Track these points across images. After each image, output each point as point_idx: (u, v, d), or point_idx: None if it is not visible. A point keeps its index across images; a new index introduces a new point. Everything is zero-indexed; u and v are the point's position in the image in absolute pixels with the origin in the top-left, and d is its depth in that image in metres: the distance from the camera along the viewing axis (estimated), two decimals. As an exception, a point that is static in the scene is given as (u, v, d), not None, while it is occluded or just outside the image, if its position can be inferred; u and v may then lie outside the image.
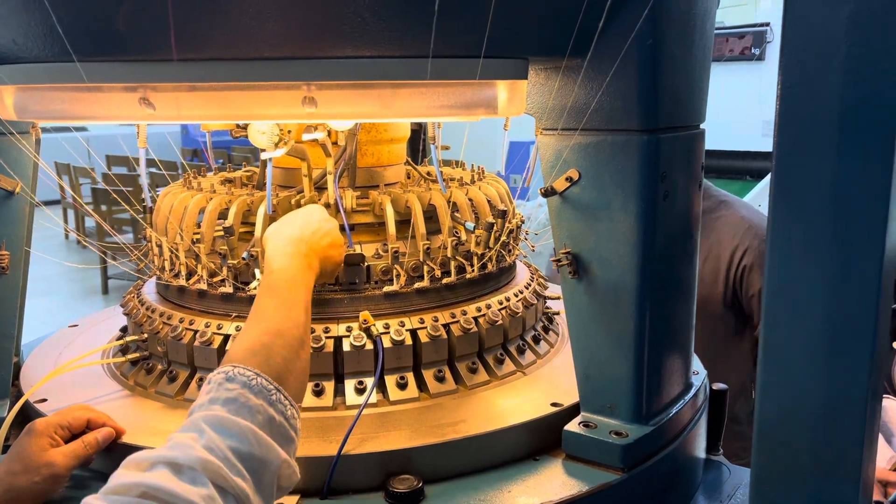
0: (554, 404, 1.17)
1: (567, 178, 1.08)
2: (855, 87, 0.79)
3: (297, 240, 1.08)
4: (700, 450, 1.31)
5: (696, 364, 1.36)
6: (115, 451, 1.06)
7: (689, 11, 1.06)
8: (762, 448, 1.06)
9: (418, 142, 1.77)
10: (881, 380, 1.16)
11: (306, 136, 1.21)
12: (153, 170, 6.55)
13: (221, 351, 1.19)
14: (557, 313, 1.52)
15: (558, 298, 1.54)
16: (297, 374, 0.94)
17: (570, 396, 1.19)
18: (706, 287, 2.03)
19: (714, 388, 1.36)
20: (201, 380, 1.20)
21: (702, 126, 1.16)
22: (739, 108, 6.05)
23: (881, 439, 1.41)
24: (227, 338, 1.19)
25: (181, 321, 1.24)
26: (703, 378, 1.32)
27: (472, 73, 0.92)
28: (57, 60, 0.94)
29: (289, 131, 1.23)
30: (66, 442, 1.04)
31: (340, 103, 0.94)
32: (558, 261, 1.10)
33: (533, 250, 1.49)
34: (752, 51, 7.09)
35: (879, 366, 0.95)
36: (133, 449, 1.05)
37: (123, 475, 0.76)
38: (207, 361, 1.20)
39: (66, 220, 8.82)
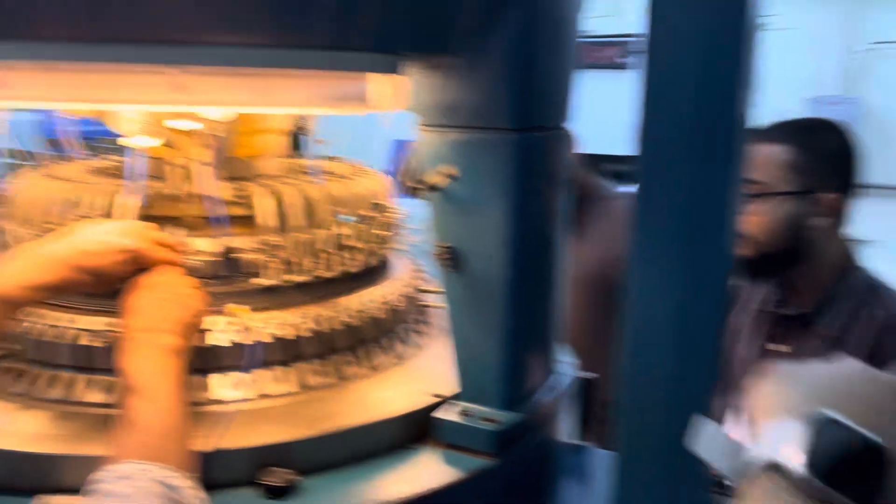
0: (436, 395, 1.19)
1: (445, 174, 1.11)
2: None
3: (149, 332, 1.00)
4: (569, 435, 1.38)
5: (568, 355, 1.43)
6: None
7: (560, 19, 1.11)
8: (623, 428, 1.14)
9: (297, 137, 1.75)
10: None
11: (170, 123, 1.17)
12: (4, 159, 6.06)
13: (75, 346, 1.13)
14: (434, 306, 1.55)
15: (435, 292, 1.58)
16: (192, 460, 0.91)
17: (450, 386, 1.22)
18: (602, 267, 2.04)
19: (582, 376, 1.44)
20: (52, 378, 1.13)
21: (567, 127, 1.22)
22: (613, 113, 6.37)
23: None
24: (84, 332, 1.13)
25: (42, 316, 1.17)
26: (572, 366, 1.39)
27: (340, 65, 0.93)
28: None
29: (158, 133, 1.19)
30: None
31: (212, 91, 0.92)
32: (437, 253, 1.13)
33: (413, 245, 1.51)
34: (618, 60, 7.50)
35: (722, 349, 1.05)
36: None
37: None
38: (66, 358, 1.14)
39: None
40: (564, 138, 1.20)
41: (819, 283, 1.56)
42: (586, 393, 1.45)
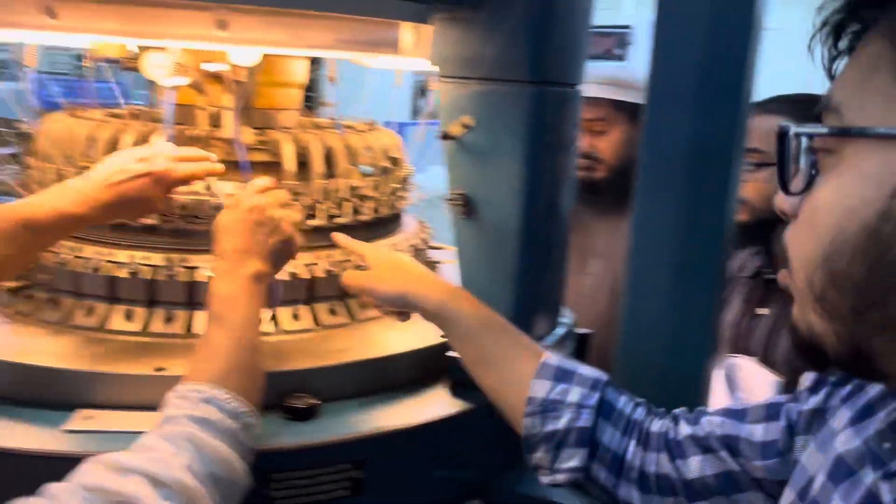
0: (444, 335, 1.26)
1: (462, 124, 1.17)
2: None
3: (237, 256, 1.02)
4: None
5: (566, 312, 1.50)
6: None
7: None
8: (621, 372, 1.21)
9: (312, 89, 1.80)
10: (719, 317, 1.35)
11: (210, 67, 1.22)
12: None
13: (111, 279, 1.18)
14: (438, 262, 1.61)
15: (440, 249, 1.64)
16: (257, 390, 0.95)
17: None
18: None
19: (578, 331, 1.51)
20: (91, 308, 1.18)
21: (579, 87, 1.28)
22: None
23: (725, 390, 1.60)
24: (120, 265, 1.19)
25: (72, 249, 1.22)
26: (571, 321, 1.46)
27: (377, 11, 0.99)
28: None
29: (187, 71, 1.23)
30: None
31: (251, 29, 0.97)
32: (451, 200, 1.19)
33: (422, 199, 1.57)
34: (616, 51, 7.57)
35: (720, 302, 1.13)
36: (11, 366, 1.04)
37: (98, 475, 0.74)
38: (97, 289, 1.19)
39: None
40: (577, 97, 1.26)
41: None
42: (580, 349, 1.52)
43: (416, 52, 1.08)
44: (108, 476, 0.74)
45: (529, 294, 1.22)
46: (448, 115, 1.18)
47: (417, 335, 1.28)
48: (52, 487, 0.72)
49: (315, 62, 1.60)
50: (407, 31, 1.04)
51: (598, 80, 1.95)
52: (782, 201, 0.66)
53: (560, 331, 1.38)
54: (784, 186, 0.64)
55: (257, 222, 1.05)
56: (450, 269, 1.59)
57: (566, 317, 1.45)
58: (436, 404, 1.16)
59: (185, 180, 1.13)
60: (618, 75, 2.06)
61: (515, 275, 1.20)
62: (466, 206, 1.20)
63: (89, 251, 1.21)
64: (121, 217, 1.11)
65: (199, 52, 1.26)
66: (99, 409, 1.03)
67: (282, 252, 1.08)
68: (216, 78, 1.27)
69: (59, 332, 1.17)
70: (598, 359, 1.44)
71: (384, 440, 1.05)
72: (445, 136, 1.18)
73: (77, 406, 1.03)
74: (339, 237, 1.23)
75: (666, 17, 1.11)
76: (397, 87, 1.56)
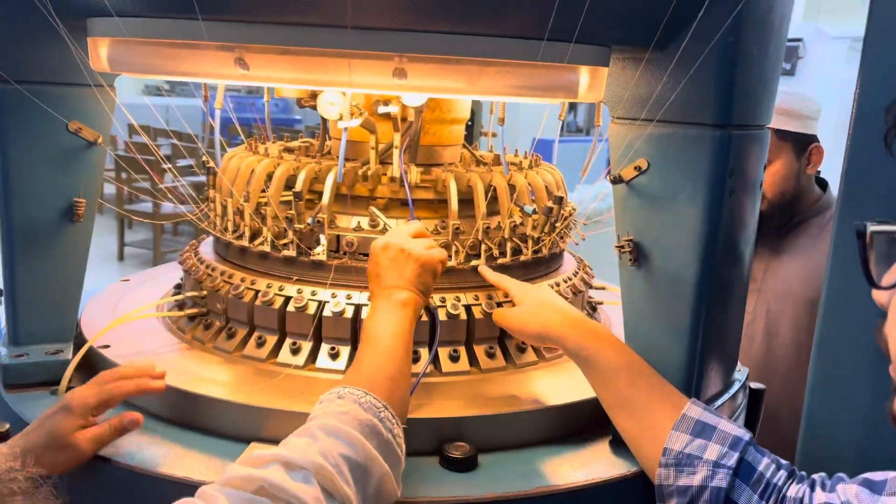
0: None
1: (635, 168, 1.11)
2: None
3: (384, 292, 1.09)
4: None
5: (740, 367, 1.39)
6: (169, 395, 1.10)
7: (769, 13, 1.08)
8: (807, 443, 1.09)
9: (469, 128, 1.80)
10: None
11: (382, 109, 1.24)
12: (173, 141, 6.64)
13: (282, 312, 1.22)
14: (600, 303, 1.55)
15: (602, 289, 1.58)
16: (400, 401, 0.98)
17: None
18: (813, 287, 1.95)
19: (752, 386, 1.39)
20: (260, 338, 1.23)
21: (767, 127, 1.18)
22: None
23: None
24: (287, 300, 1.23)
25: (243, 280, 1.28)
26: (745, 375, 1.35)
27: (557, 56, 0.95)
28: (153, 16, 0.98)
29: (361, 113, 1.26)
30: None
31: (428, 77, 0.97)
32: (621, 247, 1.13)
33: (584, 239, 1.52)
34: (785, 66, 7.12)
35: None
36: (187, 395, 1.10)
37: (240, 469, 0.80)
38: (268, 321, 1.23)
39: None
40: (765, 139, 1.16)
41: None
42: (754, 405, 1.40)
43: (590, 94, 1.03)
44: (248, 470, 0.79)
45: (704, 349, 1.13)
46: (619, 157, 1.12)
47: (576, 385, 1.23)
48: (201, 488, 0.78)
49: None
50: (584, 75, 1.00)
51: None
52: (878, 295, 0.70)
53: (734, 387, 1.27)
54: (871, 282, 0.68)
55: (392, 258, 1.11)
56: (612, 310, 1.53)
57: (740, 371, 1.34)
58: (597, 462, 1.10)
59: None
60: (785, 102, 1.89)
61: (689, 328, 1.11)
62: (636, 254, 1.14)
63: (261, 283, 1.26)
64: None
65: (371, 95, 1.29)
66: (271, 442, 1.06)
67: (422, 275, 1.11)
68: (386, 117, 1.29)
69: (233, 361, 1.23)
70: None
71: (546, 500, 1.00)
72: (616, 180, 1.12)
73: (249, 439, 1.07)
74: (485, 271, 1.26)
75: (879, 29, 0.99)
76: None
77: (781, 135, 1.92)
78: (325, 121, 1.51)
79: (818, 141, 2.02)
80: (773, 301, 2.02)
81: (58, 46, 1.10)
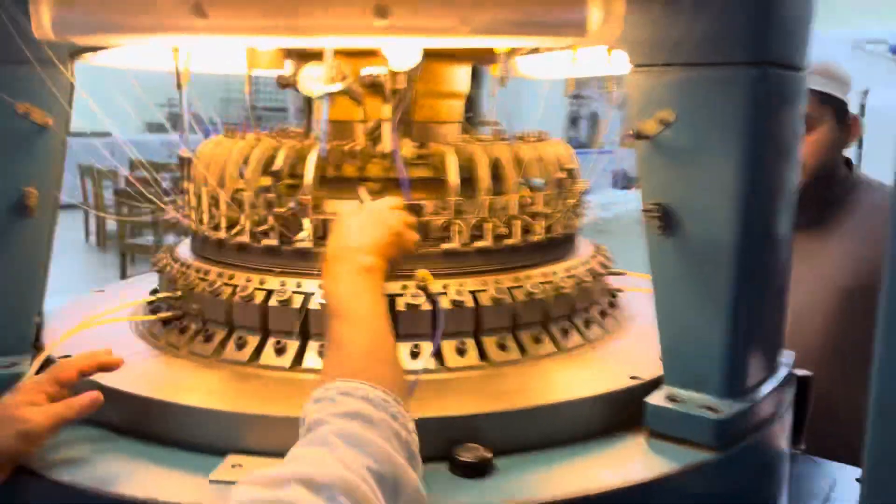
0: (633, 377, 1.04)
1: (660, 120, 0.97)
2: None
3: (346, 252, 0.95)
4: (786, 438, 1.18)
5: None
6: (131, 404, 0.96)
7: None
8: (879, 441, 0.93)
9: (470, 108, 1.67)
10: None
11: (366, 70, 1.11)
12: (175, 174, 6.53)
13: (264, 308, 1.08)
14: (620, 290, 1.39)
15: (622, 274, 1.42)
16: (400, 382, 0.83)
17: (648, 371, 1.07)
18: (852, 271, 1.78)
19: (799, 374, 1.23)
20: (240, 339, 1.09)
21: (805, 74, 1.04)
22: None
23: None
24: (269, 294, 1.09)
25: (219, 276, 1.14)
26: (791, 361, 1.19)
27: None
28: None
29: (343, 77, 1.13)
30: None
31: (414, 15, 0.84)
32: (647, 212, 0.98)
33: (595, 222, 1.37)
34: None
35: None
36: (157, 404, 0.95)
37: (253, 491, 0.65)
38: (248, 319, 1.09)
39: (86, 223, 8.79)
40: (803, 86, 1.02)
41: None
42: (802, 394, 1.24)
43: (604, 33, 0.90)
44: (263, 492, 0.64)
45: (747, 330, 0.98)
46: (641, 110, 0.98)
47: (604, 374, 1.08)
48: None
49: (474, 79, 1.46)
50: (595, 9, 0.86)
51: None
52: None
53: (781, 373, 1.11)
54: None
55: (363, 220, 0.98)
56: (637, 298, 1.37)
57: (786, 357, 1.19)
58: (631, 462, 0.94)
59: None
60: (822, 63, 1.72)
61: (729, 306, 0.96)
62: (665, 220, 0.99)
63: (240, 278, 1.12)
64: None
65: (355, 60, 1.16)
66: (251, 454, 0.91)
67: (393, 245, 0.98)
68: (374, 88, 1.16)
69: (210, 366, 1.08)
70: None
71: (573, 508, 0.85)
72: (639, 136, 0.98)
73: (227, 450, 0.92)
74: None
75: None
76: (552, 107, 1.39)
77: (824, 98, 1.74)
78: (308, 102, 1.38)
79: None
80: (802, 288, 1.86)
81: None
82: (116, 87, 1.37)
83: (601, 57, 1.43)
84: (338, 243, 0.96)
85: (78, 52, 1.11)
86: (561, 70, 1.47)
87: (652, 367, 1.07)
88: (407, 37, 0.90)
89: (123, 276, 6.98)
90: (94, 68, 1.23)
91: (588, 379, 1.06)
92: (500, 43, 1.08)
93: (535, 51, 1.33)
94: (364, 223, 0.97)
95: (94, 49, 1.12)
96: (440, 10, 0.83)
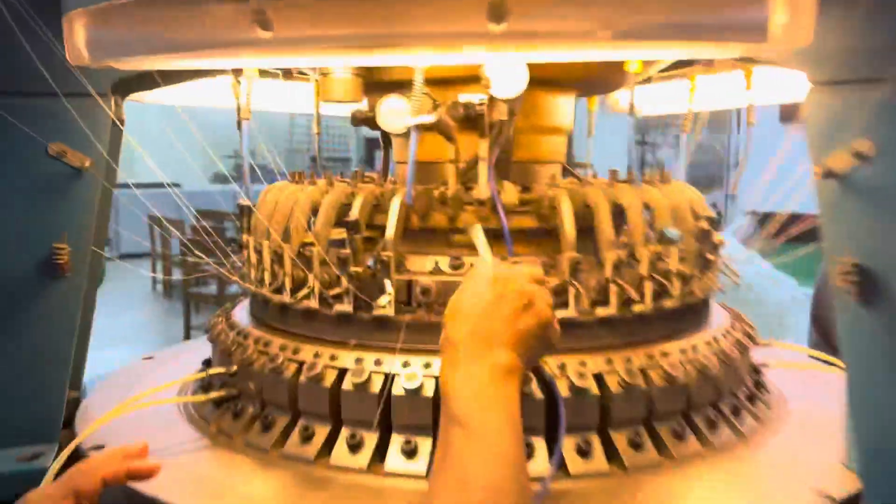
0: (826, 496, 0.78)
1: (855, 153, 0.73)
2: None
3: (480, 343, 0.71)
4: None
5: None
6: None
7: None
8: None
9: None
10: None
11: (464, 98, 0.91)
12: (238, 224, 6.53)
13: (336, 391, 0.87)
14: (765, 365, 1.13)
15: (767, 346, 1.16)
16: None
17: (835, 482, 0.81)
18: None
19: None
20: (306, 429, 0.88)
21: None
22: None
23: None
24: (342, 373, 0.88)
25: (282, 349, 0.93)
26: None
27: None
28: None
29: (433, 108, 0.94)
30: None
31: (539, 15, 0.63)
32: (843, 275, 0.74)
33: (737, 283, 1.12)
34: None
35: None
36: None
37: None
38: (316, 404, 0.88)
39: (153, 271, 8.91)
40: None
41: None
42: None
43: (789, 38, 0.67)
44: None
45: None
46: (826, 140, 0.75)
47: (776, 487, 0.82)
48: None
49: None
50: (780, 9, 0.64)
51: None
52: None
53: None
54: None
55: (501, 296, 0.73)
56: (780, 374, 1.11)
57: None
58: None
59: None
60: None
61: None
62: (863, 284, 0.74)
63: (307, 352, 0.91)
64: None
65: (443, 90, 0.96)
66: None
67: (537, 340, 0.74)
68: (468, 122, 0.96)
69: (269, 463, 0.87)
70: None
71: None
72: (826, 174, 0.74)
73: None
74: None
75: None
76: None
77: None
78: (386, 142, 1.19)
79: None
80: None
81: (33, 45, 0.82)
82: (183, 139, 1.23)
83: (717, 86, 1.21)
84: (467, 324, 0.72)
85: (123, 86, 0.95)
86: (676, 102, 1.26)
87: (839, 475, 0.81)
88: (526, 47, 0.70)
89: (187, 325, 6.96)
90: (162, 118, 1.08)
91: (757, 495, 0.80)
92: (646, 53, 0.87)
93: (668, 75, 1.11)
94: (502, 299, 0.73)
95: (141, 83, 0.96)
96: (574, 10, 0.62)
